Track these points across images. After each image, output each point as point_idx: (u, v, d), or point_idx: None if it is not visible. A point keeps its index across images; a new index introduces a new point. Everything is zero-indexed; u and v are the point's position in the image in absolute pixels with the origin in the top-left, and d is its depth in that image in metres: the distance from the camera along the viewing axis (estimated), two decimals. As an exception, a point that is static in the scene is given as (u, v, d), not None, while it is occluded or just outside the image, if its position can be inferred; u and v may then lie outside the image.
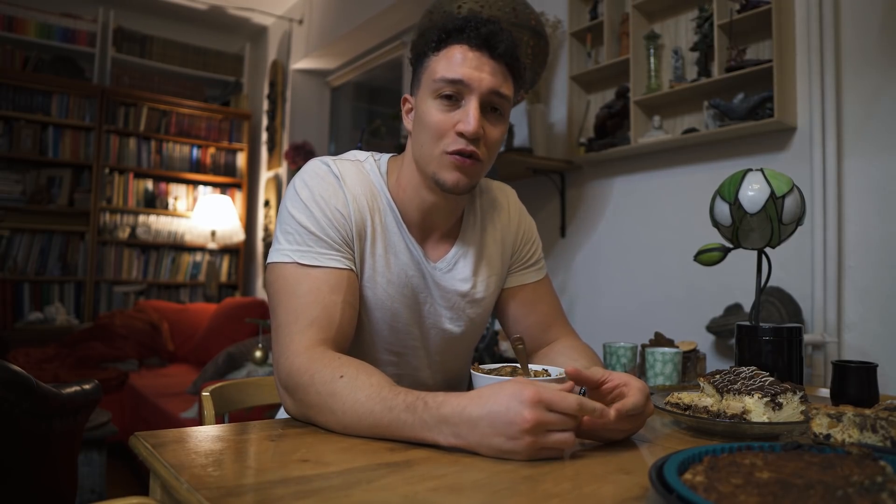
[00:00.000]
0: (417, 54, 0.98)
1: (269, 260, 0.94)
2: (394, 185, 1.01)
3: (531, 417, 0.66)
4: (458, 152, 0.92)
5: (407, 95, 1.02)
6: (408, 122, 1.01)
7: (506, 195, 1.15)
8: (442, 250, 1.04)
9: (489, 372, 0.89)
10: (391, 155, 1.05)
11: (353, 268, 0.94)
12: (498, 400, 0.68)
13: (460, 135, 0.91)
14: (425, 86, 0.95)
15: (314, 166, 0.97)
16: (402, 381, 1.00)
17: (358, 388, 0.77)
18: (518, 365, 0.91)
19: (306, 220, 0.92)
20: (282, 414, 1.18)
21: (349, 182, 0.96)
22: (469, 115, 0.91)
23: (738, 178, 1.10)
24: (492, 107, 0.94)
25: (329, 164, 0.97)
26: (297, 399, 0.84)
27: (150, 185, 4.48)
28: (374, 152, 1.05)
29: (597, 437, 0.77)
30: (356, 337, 0.98)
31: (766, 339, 1.08)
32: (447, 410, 0.70)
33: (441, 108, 0.93)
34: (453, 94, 0.92)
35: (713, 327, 1.83)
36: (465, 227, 1.06)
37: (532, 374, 0.89)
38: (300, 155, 4.27)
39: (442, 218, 1.02)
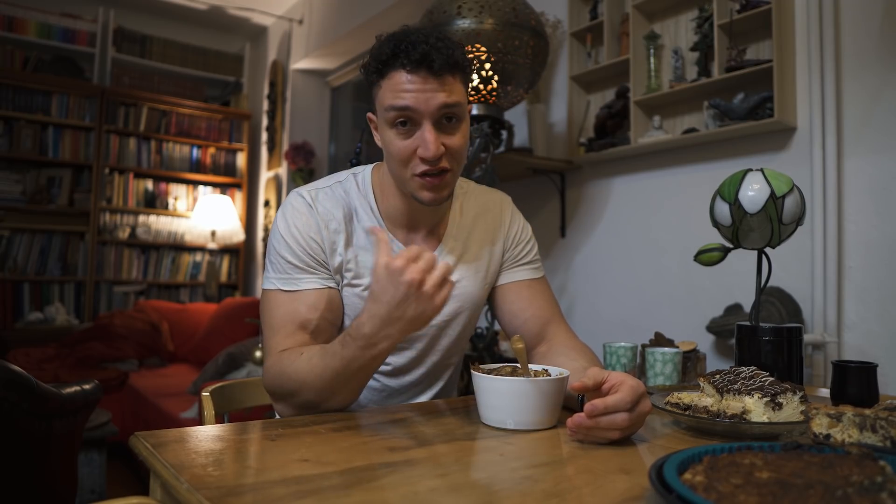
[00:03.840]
0: (368, 81, 1.01)
1: (262, 284, 1.06)
2: (378, 192, 1.09)
3: (412, 274, 0.78)
4: (425, 173, 0.97)
5: (370, 115, 1.05)
6: (377, 137, 1.05)
7: (500, 202, 1.21)
8: (428, 247, 1.10)
9: (489, 372, 0.90)
10: (374, 165, 1.12)
11: (332, 284, 1.04)
12: (381, 288, 0.80)
13: (423, 159, 0.96)
14: (380, 113, 0.99)
15: (290, 199, 1.07)
16: (391, 375, 1.10)
17: (312, 356, 0.90)
18: (518, 364, 0.91)
19: (284, 251, 1.03)
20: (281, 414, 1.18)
21: (321, 208, 1.05)
22: (426, 141, 0.94)
23: (739, 178, 1.10)
24: (446, 118, 0.96)
25: (303, 194, 1.06)
26: (281, 395, 0.95)
27: (150, 185, 4.48)
28: (355, 168, 1.13)
29: (595, 437, 0.78)
30: None
31: (766, 339, 1.08)
32: (365, 329, 0.83)
33: (399, 135, 0.97)
34: (406, 120, 0.95)
35: (713, 327, 1.83)
36: (450, 226, 1.13)
37: (532, 373, 0.89)
38: (300, 155, 4.27)
39: (424, 217, 1.09)
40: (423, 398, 1.13)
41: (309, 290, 1.01)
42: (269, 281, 1.03)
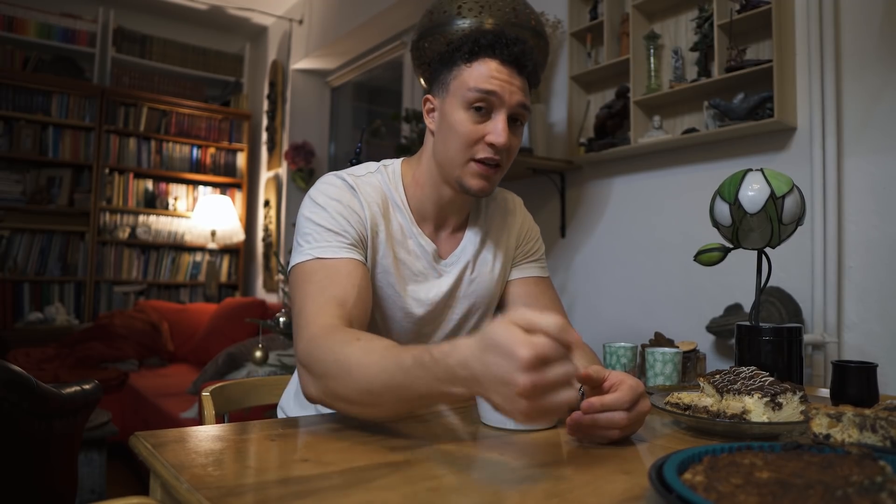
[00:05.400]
0: (444, 60, 1.03)
1: (290, 264, 0.98)
2: (410, 184, 1.08)
3: (526, 382, 0.59)
4: (486, 161, 0.99)
5: (429, 96, 1.06)
6: (429, 121, 1.06)
7: (514, 201, 1.24)
8: (453, 243, 1.11)
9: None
10: (402, 159, 1.12)
11: (366, 263, 1.00)
12: (495, 357, 0.62)
13: (490, 145, 0.98)
14: (455, 93, 1.00)
15: (329, 178, 1.03)
16: None
17: (372, 350, 0.78)
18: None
19: (323, 219, 0.98)
20: (282, 414, 1.18)
21: (363, 191, 1.02)
22: (499, 128, 0.98)
23: (738, 179, 1.10)
24: (515, 118, 1.01)
25: (343, 177, 1.03)
26: (315, 372, 0.83)
27: (150, 185, 4.48)
28: (385, 160, 1.11)
29: (593, 437, 0.78)
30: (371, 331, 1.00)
31: (766, 339, 1.08)
32: (452, 361, 0.67)
33: (472, 118, 0.99)
34: (483, 106, 0.98)
35: (713, 327, 1.83)
36: (471, 222, 1.14)
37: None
38: (300, 155, 4.27)
39: (454, 212, 1.10)
40: None
41: (347, 259, 0.95)
42: (301, 254, 0.96)
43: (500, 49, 0.98)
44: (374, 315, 1.04)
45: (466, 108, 0.99)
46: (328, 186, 1.02)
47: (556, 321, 0.62)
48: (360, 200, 1.01)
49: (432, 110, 1.06)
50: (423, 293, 1.07)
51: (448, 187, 1.05)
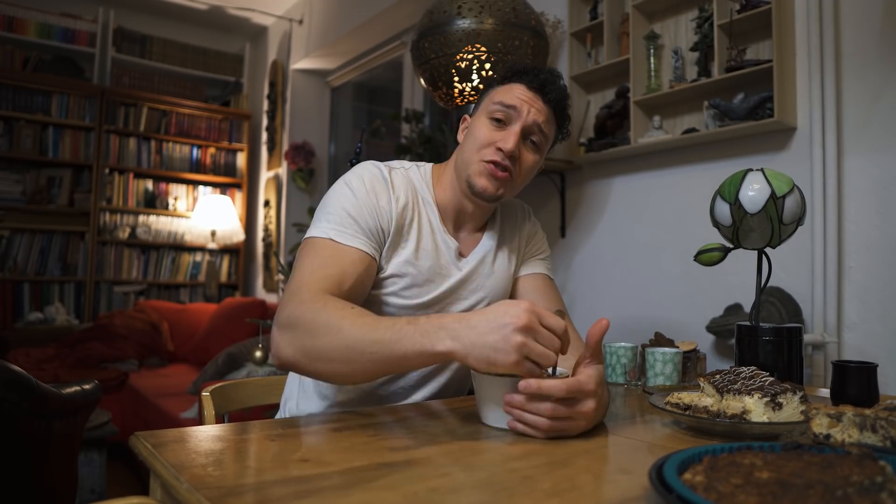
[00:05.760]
0: (485, 87, 1.17)
1: (306, 235, 1.03)
2: (437, 186, 1.16)
3: (524, 317, 0.74)
4: (493, 162, 1.07)
5: (466, 116, 1.19)
6: (461, 136, 1.17)
7: (524, 209, 1.31)
8: (472, 242, 1.19)
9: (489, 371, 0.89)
10: (433, 164, 1.21)
11: (377, 259, 1.05)
12: (497, 308, 0.77)
13: (499, 150, 1.07)
14: (483, 108, 1.12)
15: (367, 166, 1.09)
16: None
17: (365, 314, 0.86)
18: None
19: (350, 206, 1.03)
20: (281, 414, 1.18)
21: (396, 185, 1.09)
22: (508, 137, 1.07)
23: (739, 178, 1.10)
24: (532, 138, 1.10)
25: (381, 168, 1.10)
26: (299, 330, 0.87)
27: (150, 185, 4.48)
28: (416, 162, 1.20)
29: (525, 428, 0.79)
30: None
31: (766, 339, 1.08)
32: (447, 319, 0.79)
33: (489, 126, 1.09)
34: (503, 119, 1.08)
35: (713, 327, 1.83)
36: (489, 227, 1.22)
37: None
38: (300, 155, 4.27)
39: (473, 219, 1.17)
40: (432, 387, 1.15)
41: (357, 249, 1.00)
42: (319, 229, 1.01)
43: (528, 75, 1.10)
44: (385, 299, 1.09)
45: (488, 119, 1.09)
46: (365, 171, 1.07)
47: (560, 322, 0.77)
48: (391, 194, 1.06)
49: (465, 129, 1.16)
50: (438, 285, 1.11)
51: (464, 196, 1.12)
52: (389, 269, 1.07)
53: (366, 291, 1.04)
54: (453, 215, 1.15)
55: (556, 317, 0.78)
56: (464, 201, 1.13)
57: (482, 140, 1.08)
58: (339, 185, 1.07)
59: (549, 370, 0.91)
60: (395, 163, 1.15)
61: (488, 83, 1.17)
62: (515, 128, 1.07)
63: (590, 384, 0.79)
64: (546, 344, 0.76)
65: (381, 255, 1.06)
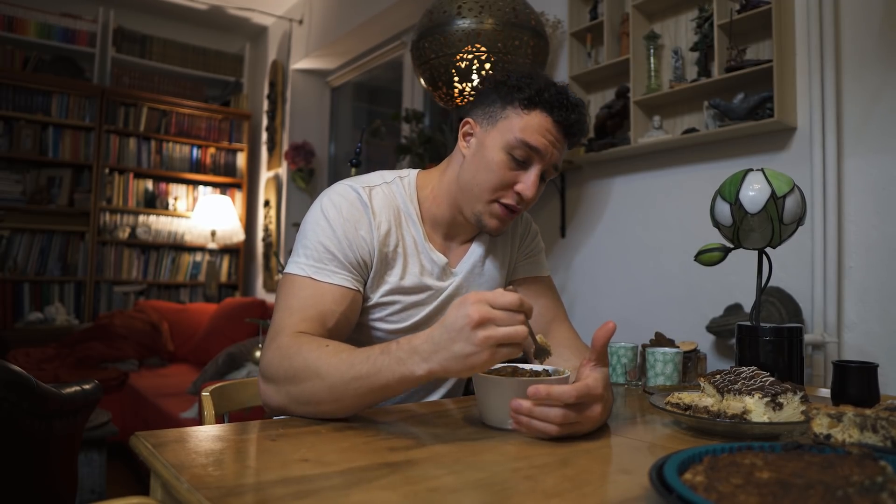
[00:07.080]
0: (501, 92, 1.04)
1: (285, 270, 1.00)
2: (426, 198, 1.10)
3: (475, 312, 0.71)
4: (509, 207, 1.03)
5: (470, 120, 1.08)
6: (464, 145, 1.08)
7: None
8: (462, 252, 1.15)
9: (489, 372, 0.89)
10: (419, 171, 1.14)
11: (361, 291, 1.02)
12: (449, 314, 0.74)
13: (517, 193, 1.02)
14: (501, 131, 1.02)
15: (343, 190, 1.03)
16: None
17: (341, 350, 0.84)
18: (519, 364, 0.91)
19: (328, 240, 0.98)
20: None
21: (377, 209, 1.03)
22: (530, 181, 1.01)
23: (739, 178, 1.10)
24: (546, 172, 1.04)
25: (358, 190, 1.03)
26: (280, 379, 0.87)
27: (150, 185, 4.48)
28: (400, 171, 1.12)
29: (532, 430, 0.78)
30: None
31: (766, 339, 1.08)
32: (416, 342, 0.76)
33: (509, 164, 1.01)
34: (526, 159, 1.01)
35: (713, 327, 1.83)
36: (479, 233, 1.17)
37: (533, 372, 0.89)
38: (300, 155, 4.27)
39: (465, 232, 1.14)
40: (435, 395, 1.14)
41: (338, 286, 0.97)
42: (297, 266, 0.98)
43: (559, 111, 1.00)
44: (379, 326, 1.07)
45: (506, 153, 1.01)
46: (341, 200, 1.02)
47: (512, 297, 0.74)
48: (372, 221, 1.02)
49: (470, 135, 1.07)
50: (426, 305, 1.09)
51: (460, 214, 1.08)
52: (375, 298, 1.04)
53: (351, 325, 1.01)
54: (444, 229, 1.11)
55: (506, 293, 0.74)
56: (459, 217, 1.09)
57: (499, 179, 1.01)
58: (316, 213, 1.02)
59: (547, 369, 0.91)
60: (375, 177, 1.09)
61: (507, 93, 1.03)
62: (535, 170, 1.01)
63: (598, 388, 0.79)
64: (509, 323, 0.73)
65: (365, 285, 1.03)
